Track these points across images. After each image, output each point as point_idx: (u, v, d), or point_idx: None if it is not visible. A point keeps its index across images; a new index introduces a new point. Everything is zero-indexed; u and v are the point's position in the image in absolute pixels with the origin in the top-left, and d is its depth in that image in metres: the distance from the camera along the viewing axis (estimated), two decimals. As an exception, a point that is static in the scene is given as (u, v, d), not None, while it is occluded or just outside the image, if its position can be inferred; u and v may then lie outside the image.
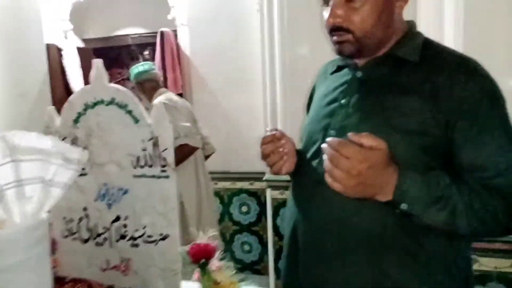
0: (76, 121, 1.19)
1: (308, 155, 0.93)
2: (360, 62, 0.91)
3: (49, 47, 2.78)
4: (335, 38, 0.87)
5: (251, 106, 2.43)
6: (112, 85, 1.15)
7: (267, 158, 0.96)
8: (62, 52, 2.80)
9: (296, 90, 2.19)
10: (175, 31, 2.57)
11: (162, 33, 2.49)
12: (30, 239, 0.78)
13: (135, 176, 1.14)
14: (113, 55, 3.09)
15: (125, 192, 1.17)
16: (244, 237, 2.73)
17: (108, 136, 1.16)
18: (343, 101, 0.88)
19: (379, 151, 0.70)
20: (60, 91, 2.74)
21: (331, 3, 0.84)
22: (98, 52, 3.10)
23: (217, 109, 2.53)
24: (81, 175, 1.20)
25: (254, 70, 2.38)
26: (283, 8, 2.18)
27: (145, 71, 2.27)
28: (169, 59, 2.46)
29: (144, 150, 1.13)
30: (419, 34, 0.90)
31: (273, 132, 0.96)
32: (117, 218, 1.18)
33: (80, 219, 1.22)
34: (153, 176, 1.12)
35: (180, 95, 2.53)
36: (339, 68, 0.97)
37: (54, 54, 2.77)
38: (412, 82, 0.82)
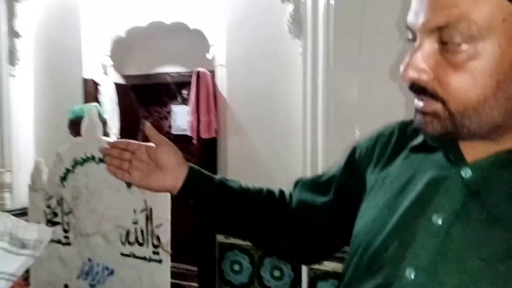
0: (63, 178, 1.00)
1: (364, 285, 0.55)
2: (467, 150, 0.51)
3: (86, 81, 2.73)
4: (416, 103, 0.51)
5: (289, 155, 2.17)
6: (106, 138, 0.95)
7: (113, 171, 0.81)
8: (99, 87, 2.74)
9: (340, 138, 1.93)
10: (213, 72, 2.41)
11: (198, 73, 2.34)
12: None
13: (123, 255, 0.93)
14: (152, 92, 3.00)
15: (111, 272, 0.95)
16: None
17: (96, 202, 0.96)
18: (435, 217, 0.49)
19: None
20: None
21: (416, 43, 0.49)
22: (137, 89, 3.03)
23: (252, 156, 2.30)
24: (64, 244, 1.01)
25: (294, 115, 2.15)
26: (329, 51, 1.96)
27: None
28: (203, 101, 2.29)
29: (135, 223, 0.91)
30: None
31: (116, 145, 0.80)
32: (100, 305, 0.95)
33: (59, 299, 1.00)
34: (144, 258, 0.90)
35: (213, 140, 2.34)
36: (424, 146, 0.56)
37: (90, 89, 2.72)
38: None
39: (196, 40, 2.60)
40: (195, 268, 2.63)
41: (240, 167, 2.32)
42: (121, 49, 2.91)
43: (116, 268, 0.93)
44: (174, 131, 2.94)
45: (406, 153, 0.59)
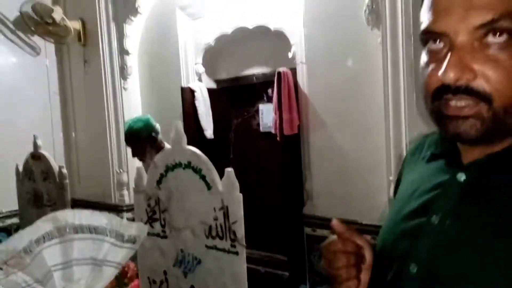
0: (159, 182, 1.19)
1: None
2: (466, 154, 0.56)
3: (183, 90, 3.02)
4: (451, 109, 0.50)
5: (372, 150, 2.15)
6: (189, 147, 1.11)
7: (334, 272, 0.63)
8: (195, 94, 3.01)
9: (424, 130, 1.84)
10: (294, 70, 2.49)
11: (279, 73, 2.43)
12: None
13: (207, 247, 1.07)
14: (241, 94, 3.19)
15: (199, 262, 1.10)
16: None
17: (184, 201, 1.12)
18: (434, 218, 0.54)
19: None
20: (192, 131, 2.94)
21: (443, 44, 0.50)
22: (227, 92, 3.24)
23: (335, 151, 2.31)
24: (162, 237, 1.19)
25: (375, 107, 2.12)
26: (409, 39, 1.89)
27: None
28: (285, 100, 2.38)
29: (215, 219, 1.05)
30: None
31: (344, 235, 0.62)
32: (192, 289, 1.12)
33: (161, 282, 1.20)
34: (223, 250, 1.03)
35: (297, 136, 2.42)
36: (434, 156, 0.62)
37: (187, 96, 3.00)
38: None
39: (278, 41, 2.70)
40: (285, 258, 2.76)
41: (323, 162, 2.35)
42: (211, 57, 3.15)
43: (203, 258, 1.08)
44: (262, 129, 3.09)
45: (421, 163, 0.64)
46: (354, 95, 2.24)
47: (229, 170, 1.02)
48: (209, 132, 3.02)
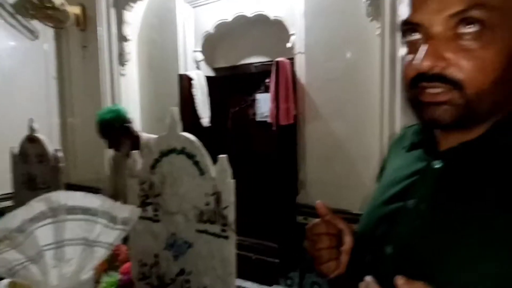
0: (153, 167, 1.20)
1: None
2: (443, 142, 0.58)
3: (181, 77, 3.02)
4: (424, 96, 0.53)
5: (366, 141, 2.17)
6: (184, 134, 1.12)
7: (316, 253, 0.67)
8: (192, 82, 3.01)
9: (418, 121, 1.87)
10: (292, 60, 2.49)
11: (277, 63, 2.44)
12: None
13: (198, 231, 1.09)
14: (239, 82, 3.19)
15: (190, 246, 1.12)
16: None
17: (178, 186, 1.14)
18: (410, 202, 0.57)
19: None
20: (188, 118, 2.95)
21: (421, 36, 0.52)
22: (226, 80, 3.24)
23: (330, 141, 2.34)
24: (154, 221, 1.21)
25: (372, 98, 2.13)
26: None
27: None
28: (282, 90, 2.38)
29: (207, 204, 1.06)
30: None
31: (327, 218, 0.66)
32: (182, 272, 1.14)
33: (152, 265, 1.22)
34: (214, 234, 1.05)
35: (293, 125, 2.44)
36: (413, 146, 0.64)
37: (185, 84, 3.00)
38: None
39: (277, 30, 2.69)
40: (276, 246, 2.78)
41: (318, 152, 2.38)
42: (210, 44, 3.14)
43: (194, 242, 1.11)
44: (258, 118, 3.10)
45: (402, 152, 0.66)
46: (351, 87, 2.26)
47: (222, 157, 1.03)
48: (205, 120, 3.03)
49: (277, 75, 2.43)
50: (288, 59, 2.52)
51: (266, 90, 2.97)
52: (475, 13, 0.49)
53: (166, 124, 1.18)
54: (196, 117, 3.00)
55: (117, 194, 2.15)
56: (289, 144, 2.49)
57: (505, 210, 0.48)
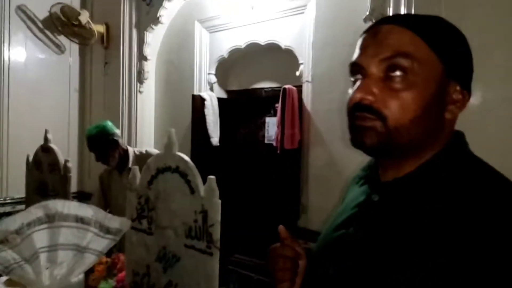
0: (150, 182, 1.28)
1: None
2: (382, 177, 0.66)
3: (194, 97, 3.14)
4: (357, 121, 0.62)
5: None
6: (178, 153, 1.20)
7: (273, 273, 0.75)
8: (205, 102, 3.12)
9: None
10: (301, 87, 2.58)
11: (284, 89, 2.53)
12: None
13: (186, 246, 1.15)
14: (249, 105, 3.29)
15: (178, 259, 1.19)
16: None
17: (170, 202, 1.21)
18: (350, 230, 0.65)
19: None
20: (199, 136, 3.05)
21: (361, 75, 0.62)
22: (237, 103, 3.35)
23: (332, 167, 2.38)
24: (148, 234, 1.29)
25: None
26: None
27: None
28: (288, 115, 2.46)
29: (195, 221, 1.13)
30: (457, 152, 0.62)
31: (286, 242, 0.74)
32: (170, 283, 1.20)
33: (144, 275, 1.28)
34: (200, 250, 1.11)
35: (297, 150, 2.50)
36: (362, 180, 0.72)
37: (198, 104, 3.12)
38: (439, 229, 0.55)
39: (288, 59, 2.79)
40: (263, 262, 2.79)
41: (321, 177, 2.42)
42: (224, 68, 3.27)
43: (182, 256, 1.17)
44: (266, 141, 3.18)
45: (356, 186, 0.75)
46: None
47: (211, 178, 1.10)
48: (215, 140, 3.12)
49: (283, 101, 2.51)
50: (297, 86, 2.60)
51: (275, 114, 3.06)
52: (400, 60, 0.59)
53: (164, 144, 1.26)
54: (206, 136, 3.10)
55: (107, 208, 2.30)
56: (293, 168, 2.55)
57: (425, 242, 0.55)
